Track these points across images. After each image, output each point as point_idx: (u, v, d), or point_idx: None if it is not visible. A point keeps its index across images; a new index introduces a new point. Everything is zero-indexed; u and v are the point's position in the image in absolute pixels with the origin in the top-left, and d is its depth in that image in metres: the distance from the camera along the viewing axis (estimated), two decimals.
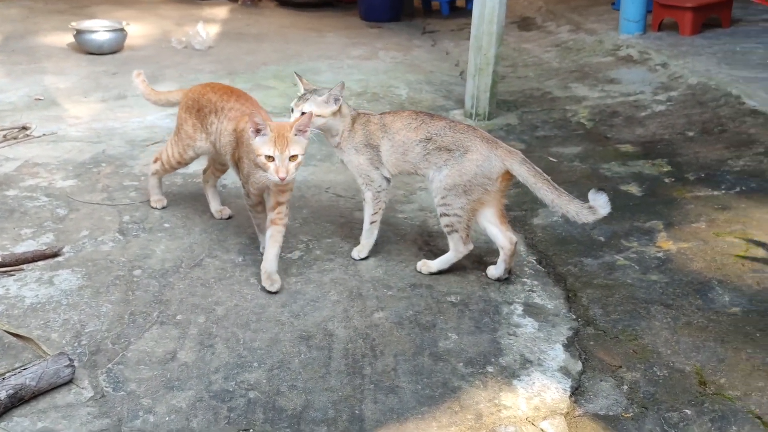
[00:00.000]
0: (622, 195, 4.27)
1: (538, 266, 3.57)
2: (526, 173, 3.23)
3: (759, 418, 2.53)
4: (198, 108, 3.67)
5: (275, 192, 3.32)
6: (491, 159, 3.26)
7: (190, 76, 6.79)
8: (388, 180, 3.51)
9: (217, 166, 3.96)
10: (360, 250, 3.60)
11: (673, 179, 4.47)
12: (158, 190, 4.10)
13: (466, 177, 3.28)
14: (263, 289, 3.29)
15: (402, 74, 7.07)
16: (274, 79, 6.81)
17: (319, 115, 3.36)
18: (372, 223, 3.57)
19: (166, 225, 3.88)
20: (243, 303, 3.21)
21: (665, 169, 4.62)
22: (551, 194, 3.20)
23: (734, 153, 4.75)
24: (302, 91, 3.48)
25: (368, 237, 3.60)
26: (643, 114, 5.68)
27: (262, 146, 3.06)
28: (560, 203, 3.18)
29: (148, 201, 4.10)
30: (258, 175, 3.26)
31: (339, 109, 3.41)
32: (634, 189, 4.37)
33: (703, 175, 4.48)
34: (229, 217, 3.97)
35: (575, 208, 3.15)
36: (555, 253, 3.69)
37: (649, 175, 4.54)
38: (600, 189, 3.15)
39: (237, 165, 3.45)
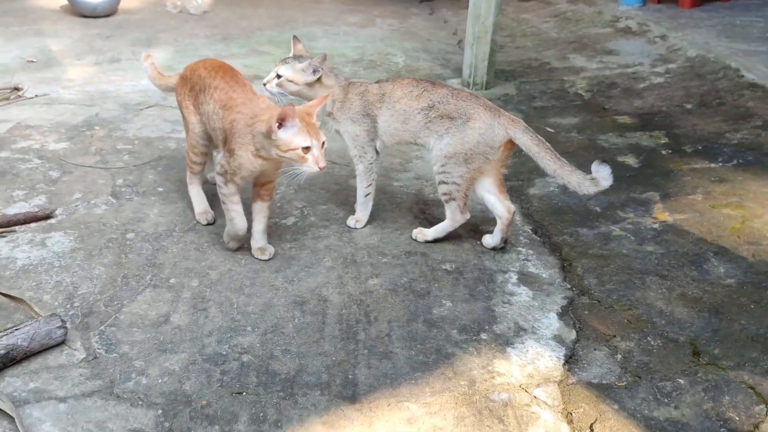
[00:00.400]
0: (619, 166, 4.25)
1: (534, 236, 3.56)
2: (529, 142, 3.20)
3: (752, 388, 2.53)
4: (190, 86, 3.38)
5: (266, 173, 3.14)
6: (494, 127, 3.23)
7: (185, 41, 6.72)
8: (377, 152, 3.48)
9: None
10: (358, 220, 3.58)
11: (670, 151, 4.45)
12: (200, 200, 3.60)
13: (468, 145, 3.24)
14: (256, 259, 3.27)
15: (399, 42, 7.00)
16: (270, 45, 6.74)
17: (291, 81, 3.33)
18: (366, 195, 3.55)
19: (160, 189, 3.85)
20: (236, 267, 3.19)
21: (662, 141, 4.60)
22: (554, 164, 3.17)
23: (732, 126, 4.73)
24: (291, 55, 3.44)
25: (364, 209, 3.57)
26: (642, 86, 5.64)
27: (296, 138, 2.79)
28: (562, 173, 3.16)
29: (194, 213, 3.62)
30: (251, 167, 3.01)
31: (318, 80, 3.37)
32: (631, 160, 4.35)
33: (700, 148, 4.46)
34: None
35: (577, 179, 3.13)
36: (551, 222, 3.68)
37: (647, 147, 4.52)
38: (603, 161, 3.12)
39: (227, 153, 3.11)
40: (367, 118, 3.39)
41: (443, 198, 3.36)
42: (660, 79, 5.70)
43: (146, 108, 4.99)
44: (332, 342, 2.74)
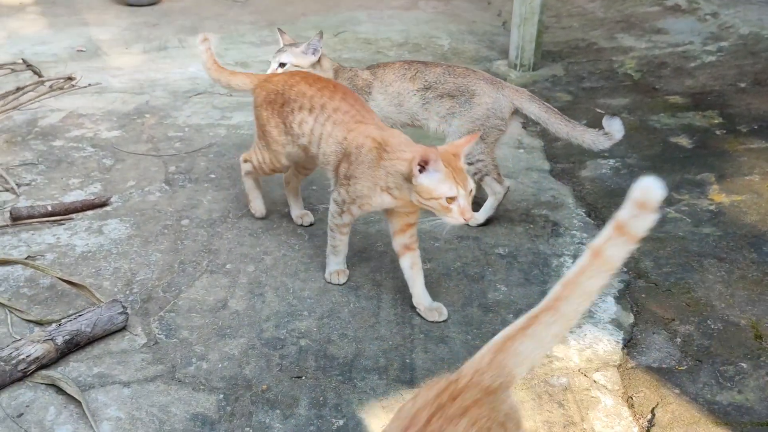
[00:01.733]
0: (672, 147, 4.18)
1: (587, 218, 3.52)
2: (537, 110, 3.24)
3: None
4: (282, 102, 3.00)
5: (402, 214, 2.77)
6: (500, 99, 3.25)
7: (230, 27, 6.75)
8: None
9: (300, 169, 3.34)
10: None
11: (724, 131, 4.36)
12: (257, 194, 3.43)
13: (479, 122, 3.26)
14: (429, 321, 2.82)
15: (443, 24, 6.95)
16: (314, 30, 6.71)
17: (297, 66, 3.33)
18: None
19: (212, 175, 3.88)
20: (291, 253, 3.21)
21: (716, 121, 4.50)
22: (565, 127, 3.22)
23: None
24: (281, 45, 3.43)
25: None
26: (693, 65, 5.52)
27: (440, 186, 2.44)
28: (575, 134, 3.20)
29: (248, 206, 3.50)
30: (375, 201, 2.71)
31: (319, 62, 3.36)
32: (684, 141, 4.27)
33: (756, 127, 4.36)
34: (311, 224, 3.43)
35: (591, 137, 3.18)
36: (604, 205, 3.63)
37: (700, 127, 4.43)
38: (613, 115, 3.18)
39: (339, 179, 2.82)
40: None
41: (476, 177, 3.35)
42: (712, 58, 5.58)
43: (195, 95, 5.03)
44: (388, 326, 2.75)
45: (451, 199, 2.44)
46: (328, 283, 3.00)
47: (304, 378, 2.48)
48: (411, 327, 2.75)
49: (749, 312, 2.80)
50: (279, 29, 3.58)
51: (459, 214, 2.46)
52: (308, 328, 2.73)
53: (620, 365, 2.56)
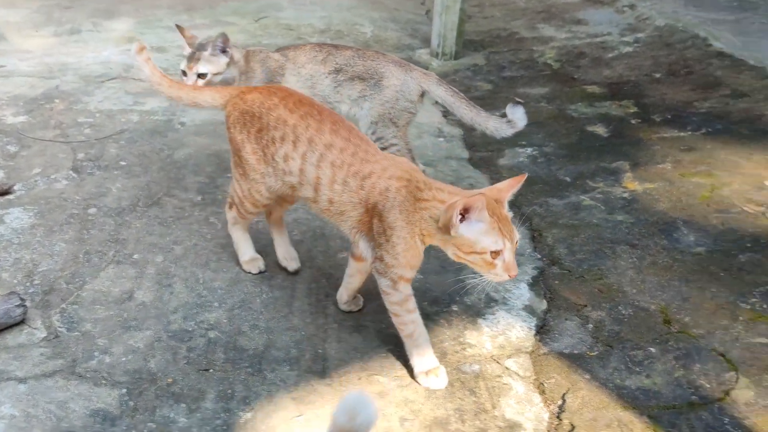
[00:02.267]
0: (588, 136, 4.23)
1: None
2: (444, 93, 3.28)
3: (722, 355, 2.53)
4: (260, 128, 2.54)
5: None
6: (408, 82, 3.27)
7: (147, 12, 6.55)
8: None
9: (282, 202, 2.87)
10: None
11: (639, 120, 4.43)
12: (247, 245, 2.95)
13: (389, 104, 3.27)
14: None
15: (366, 11, 6.89)
16: (235, 15, 6.60)
17: (216, 74, 3.24)
18: None
19: (122, 163, 3.75)
20: (202, 243, 3.12)
21: (632, 111, 4.58)
22: (470, 113, 3.25)
23: (700, 95, 4.72)
24: (187, 49, 3.28)
25: None
26: (610, 55, 5.61)
27: (483, 238, 2.12)
28: (479, 120, 3.23)
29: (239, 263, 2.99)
30: (418, 253, 2.32)
31: (231, 58, 3.29)
32: (600, 130, 4.32)
33: (669, 117, 4.45)
34: (296, 272, 2.96)
35: (494, 124, 3.21)
36: (520, 193, 3.61)
37: (616, 116, 4.50)
38: (517, 102, 3.23)
39: (376, 242, 2.36)
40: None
41: None
42: (629, 49, 5.67)
43: (108, 80, 4.85)
44: (302, 316, 2.69)
45: (495, 254, 2.13)
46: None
47: (211, 371, 2.41)
48: (325, 317, 2.70)
49: (659, 297, 2.84)
50: (177, 26, 3.40)
51: (504, 270, 2.15)
52: (218, 319, 2.65)
53: (532, 352, 2.57)
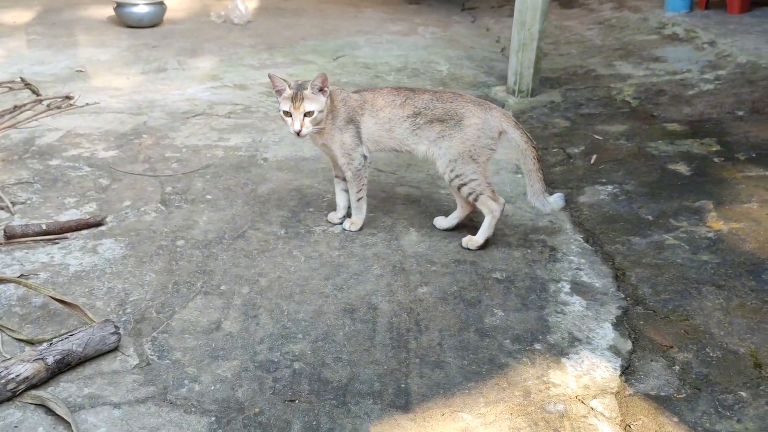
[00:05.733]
0: (670, 174, 4.17)
1: (585, 244, 3.50)
2: (519, 138, 3.35)
3: None
4: None
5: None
6: (489, 120, 3.33)
7: (230, 50, 6.77)
8: (365, 157, 3.48)
9: None
10: (353, 223, 3.59)
11: (722, 159, 4.35)
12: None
13: (470, 142, 3.31)
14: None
15: (442, 50, 6.98)
16: (313, 54, 6.76)
17: (321, 111, 3.29)
18: (359, 200, 3.56)
19: (208, 197, 3.87)
20: (286, 275, 3.18)
21: (714, 149, 4.50)
22: (533, 165, 3.35)
23: None
24: (287, 90, 3.28)
25: (358, 213, 3.59)
26: (691, 93, 5.54)
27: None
28: (534, 177, 3.37)
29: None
30: None
31: (329, 97, 3.34)
32: (682, 168, 4.26)
33: (754, 155, 4.36)
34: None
35: (540, 188, 3.39)
36: (602, 231, 3.61)
37: (698, 155, 4.43)
38: (563, 196, 3.48)
39: None
40: (351, 124, 3.40)
41: (471, 198, 3.41)
42: (709, 86, 5.60)
43: (193, 117, 5.03)
44: (383, 350, 2.72)
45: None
46: None
47: (297, 402, 2.45)
48: (407, 351, 2.72)
49: (748, 340, 2.77)
50: (270, 75, 3.38)
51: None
52: (302, 351, 2.70)
53: (618, 392, 2.53)
